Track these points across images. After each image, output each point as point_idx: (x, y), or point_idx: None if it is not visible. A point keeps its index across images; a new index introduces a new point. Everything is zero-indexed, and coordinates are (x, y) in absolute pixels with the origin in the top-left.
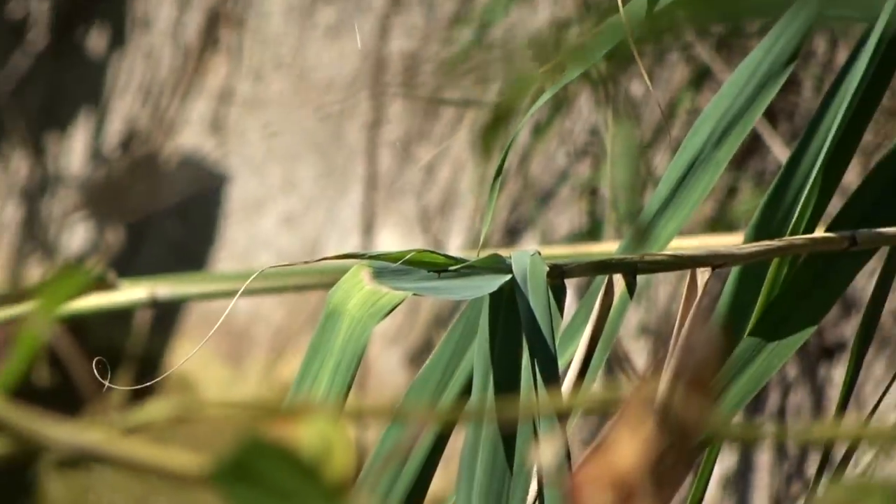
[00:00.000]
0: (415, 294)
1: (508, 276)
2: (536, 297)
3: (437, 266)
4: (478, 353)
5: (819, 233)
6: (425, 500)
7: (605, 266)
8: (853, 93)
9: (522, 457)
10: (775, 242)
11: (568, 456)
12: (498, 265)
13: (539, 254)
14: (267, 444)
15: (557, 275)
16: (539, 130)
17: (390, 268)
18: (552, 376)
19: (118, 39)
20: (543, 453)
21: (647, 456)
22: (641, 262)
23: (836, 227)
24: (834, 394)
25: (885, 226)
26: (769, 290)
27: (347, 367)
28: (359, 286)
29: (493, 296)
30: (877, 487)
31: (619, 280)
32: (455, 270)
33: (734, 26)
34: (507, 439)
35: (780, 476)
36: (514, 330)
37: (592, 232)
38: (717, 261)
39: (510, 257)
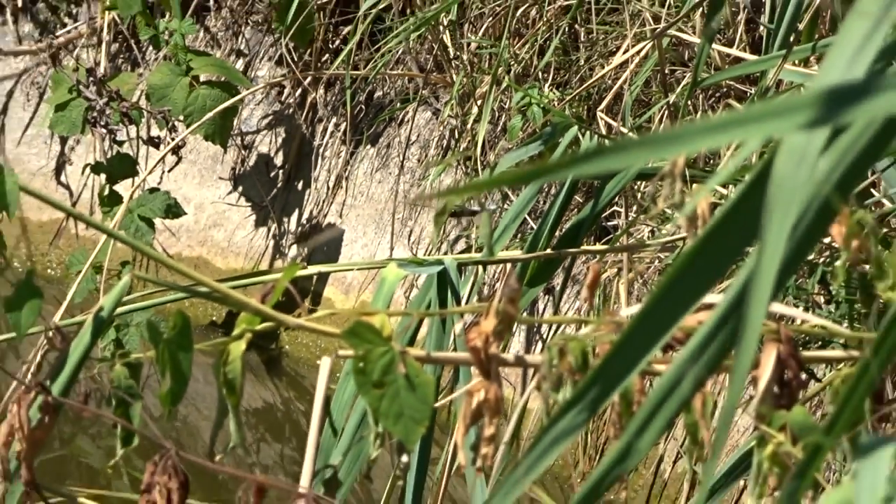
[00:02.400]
0: (412, 271)
1: (443, 266)
2: (453, 273)
3: (419, 263)
4: (433, 291)
5: (549, 251)
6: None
7: (475, 262)
8: (559, 205)
9: (450, 326)
10: (535, 254)
11: (465, 327)
12: (440, 262)
13: (453, 259)
14: (361, 323)
15: (460, 265)
16: (456, 213)
17: (403, 263)
18: (458, 301)
19: (308, 184)
20: (457, 328)
21: (496, 324)
22: (487, 260)
23: (555, 248)
24: (550, 306)
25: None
26: (532, 269)
27: (386, 297)
28: (392, 269)
29: (438, 273)
30: (574, 337)
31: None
32: (426, 265)
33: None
34: (443, 321)
35: (534, 333)
36: (445, 283)
37: (468, 251)
38: (514, 261)
39: (445, 260)
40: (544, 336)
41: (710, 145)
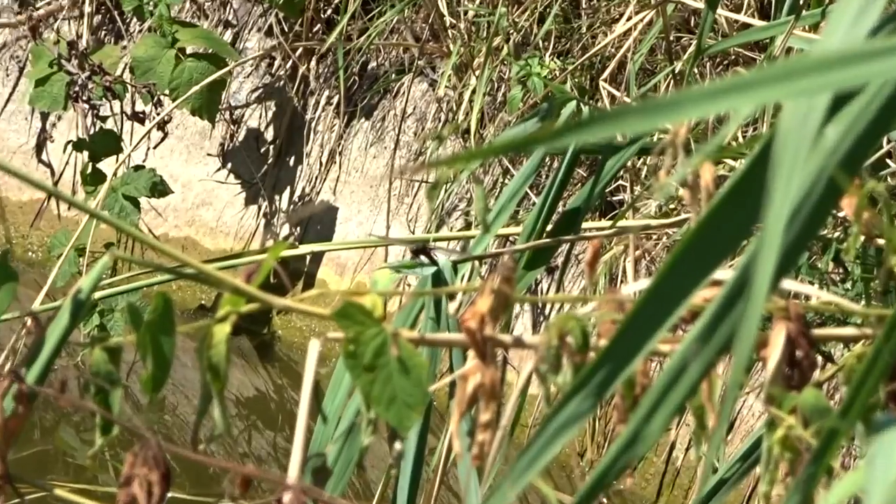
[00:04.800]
0: (404, 273)
1: (437, 266)
2: (448, 274)
3: (412, 266)
4: (429, 285)
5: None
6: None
7: (473, 258)
8: (559, 180)
9: (444, 312)
10: (532, 244)
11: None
12: (434, 262)
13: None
14: (354, 304)
15: (454, 263)
16: (448, 191)
17: (396, 264)
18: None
19: (299, 160)
20: (451, 308)
21: (491, 306)
22: (483, 255)
23: (557, 224)
24: (552, 286)
25: (567, 232)
26: (529, 255)
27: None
28: (384, 274)
29: (433, 275)
30: (573, 317)
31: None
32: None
33: (517, 153)
34: (438, 309)
35: (535, 314)
36: (438, 281)
37: (467, 227)
38: (514, 252)
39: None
40: (549, 318)
41: (712, 112)
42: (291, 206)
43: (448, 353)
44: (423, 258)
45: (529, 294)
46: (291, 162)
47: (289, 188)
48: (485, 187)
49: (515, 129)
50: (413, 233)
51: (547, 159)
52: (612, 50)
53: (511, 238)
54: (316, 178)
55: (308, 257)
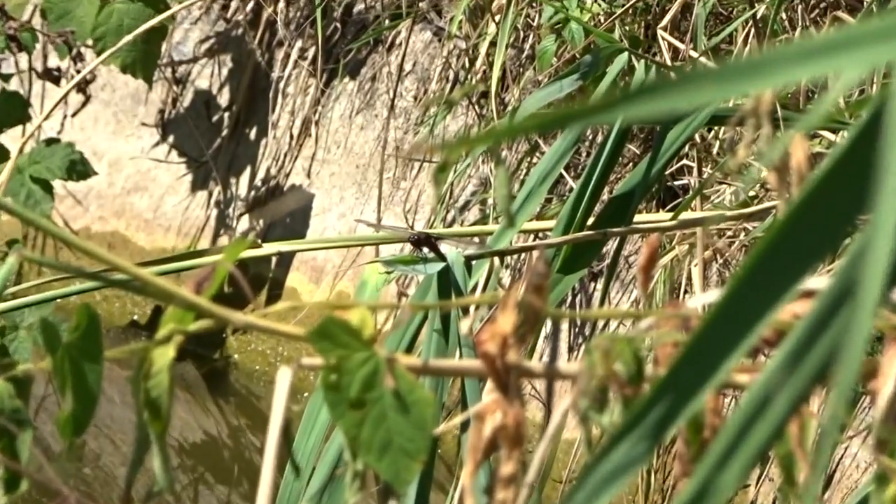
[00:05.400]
0: (402, 272)
1: (445, 264)
2: (458, 272)
3: (410, 262)
4: (433, 289)
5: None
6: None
7: (492, 253)
8: (604, 159)
9: (454, 331)
10: (569, 237)
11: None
12: (441, 256)
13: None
14: (335, 321)
15: (467, 260)
16: (458, 174)
17: (391, 259)
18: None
19: (263, 132)
20: (461, 327)
21: (516, 323)
22: (504, 251)
23: (601, 216)
24: (596, 296)
25: (616, 225)
26: (566, 256)
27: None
28: (373, 270)
29: (439, 273)
30: (622, 338)
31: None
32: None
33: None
34: (446, 322)
35: (573, 335)
36: (447, 285)
37: (483, 220)
38: (546, 249)
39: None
40: (588, 338)
41: (810, 75)
42: (252, 193)
43: (459, 385)
44: (425, 251)
45: (565, 307)
46: (253, 135)
47: (249, 169)
48: (508, 168)
49: (547, 90)
50: (413, 228)
51: (588, 131)
52: None
53: (542, 234)
54: (285, 155)
55: (274, 259)
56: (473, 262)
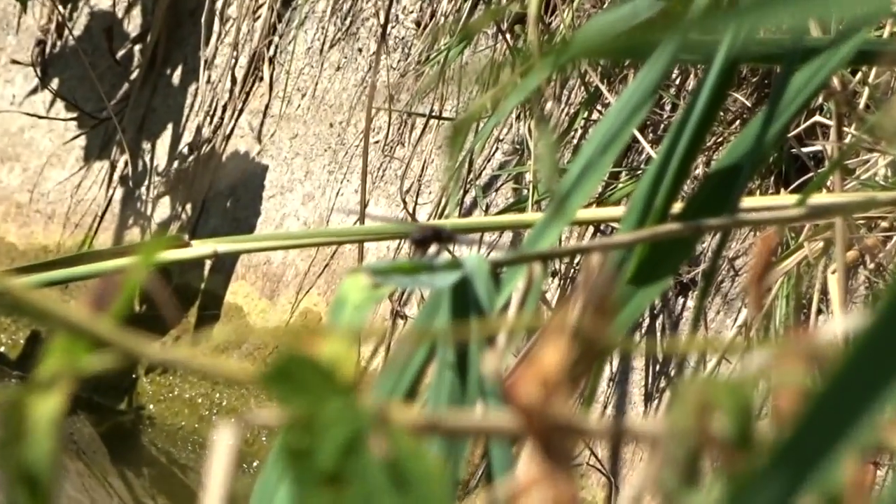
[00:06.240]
0: (396, 284)
1: (461, 272)
2: (480, 284)
3: (411, 271)
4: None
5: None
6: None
7: (527, 258)
8: (700, 111)
9: (475, 370)
10: (644, 232)
11: (504, 367)
12: (455, 264)
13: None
14: (299, 357)
15: (494, 268)
16: (481, 136)
17: (380, 269)
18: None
19: (192, 74)
20: (486, 365)
21: (563, 361)
22: (550, 252)
23: (692, 202)
24: (686, 318)
25: (715, 213)
26: (642, 258)
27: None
28: (356, 283)
29: (454, 287)
30: (721, 384)
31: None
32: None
33: (616, 63)
34: (463, 356)
35: (651, 376)
36: (466, 302)
37: (518, 206)
38: (610, 250)
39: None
40: (673, 381)
41: None
42: (175, 164)
43: (482, 450)
44: (433, 252)
45: (640, 336)
46: (176, 78)
47: (170, 129)
48: (555, 128)
49: (615, 13)
50: (414, 217)
51: (673, 74)
52: None
53: (605, 228)
54: (224, 108)
55: (209, 264)
56: (503, 270)
